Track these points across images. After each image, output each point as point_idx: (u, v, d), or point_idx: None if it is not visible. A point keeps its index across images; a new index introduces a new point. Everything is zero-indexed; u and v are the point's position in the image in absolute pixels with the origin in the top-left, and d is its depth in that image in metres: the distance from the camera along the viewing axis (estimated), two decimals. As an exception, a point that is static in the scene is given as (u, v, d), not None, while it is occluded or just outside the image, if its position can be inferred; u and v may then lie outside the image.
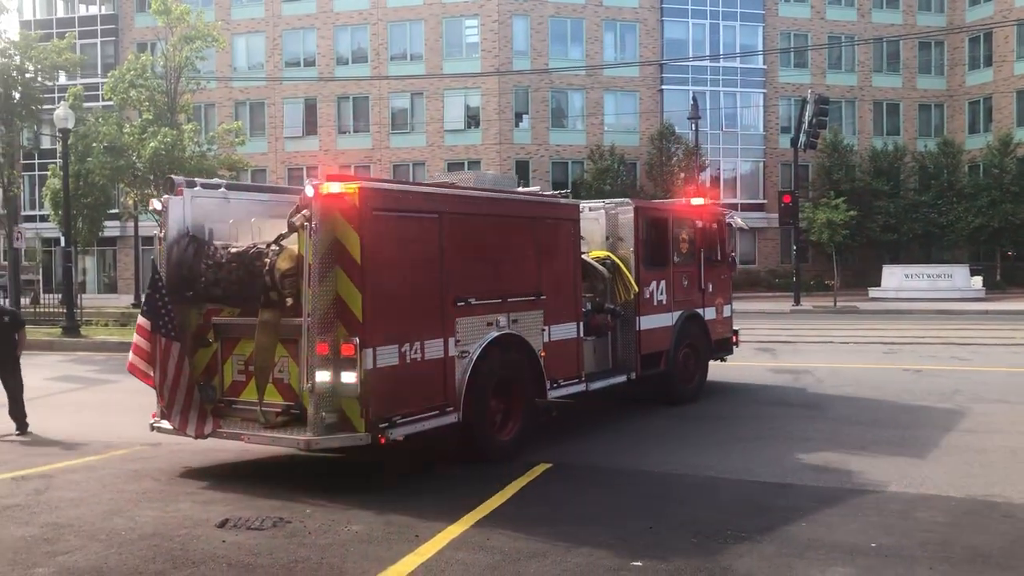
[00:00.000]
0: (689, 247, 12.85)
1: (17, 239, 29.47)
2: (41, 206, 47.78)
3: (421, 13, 50.16)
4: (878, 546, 6.21)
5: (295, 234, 7.82)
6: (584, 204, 11.79)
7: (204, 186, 9.05)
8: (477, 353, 8.75)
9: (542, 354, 9.64)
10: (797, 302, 36.04)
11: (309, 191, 7.59)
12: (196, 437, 8.27)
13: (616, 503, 7.56)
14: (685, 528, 6.67)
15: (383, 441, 7.61)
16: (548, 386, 9.74)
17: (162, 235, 8.64)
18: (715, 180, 51.16)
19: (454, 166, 48.62)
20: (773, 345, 21.07)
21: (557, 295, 10.01)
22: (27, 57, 30.79)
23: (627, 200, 12.09)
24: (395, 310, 7.88)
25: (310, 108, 51.84)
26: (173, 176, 9.24)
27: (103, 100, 38.86)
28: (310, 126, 51.41)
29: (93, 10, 55.05)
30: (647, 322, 11.75)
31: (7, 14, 30.93)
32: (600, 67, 49.80)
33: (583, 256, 10.93)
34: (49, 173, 34.41)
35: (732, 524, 6.76)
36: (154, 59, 33.44)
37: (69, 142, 26.16)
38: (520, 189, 11.26)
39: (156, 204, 8.86)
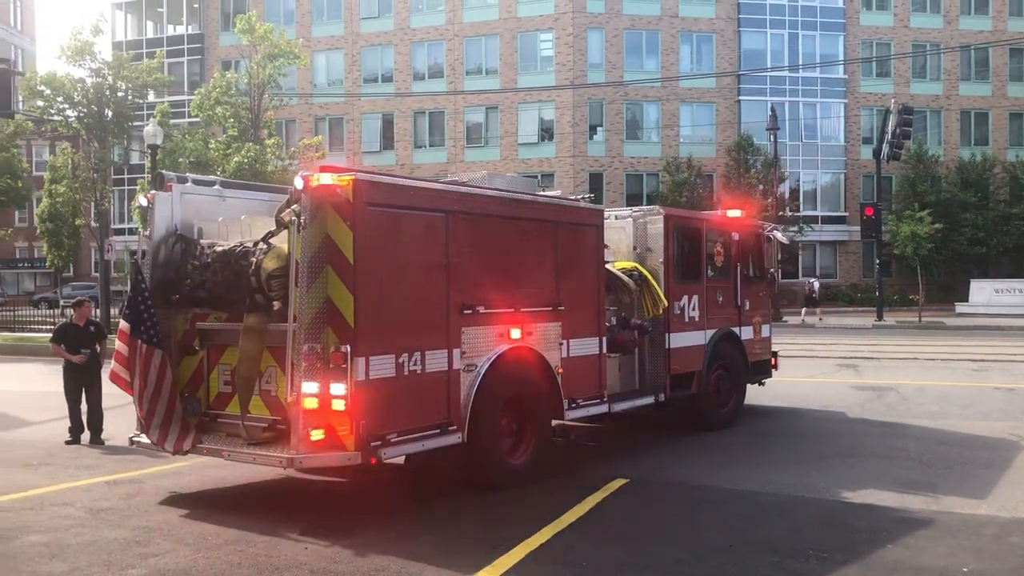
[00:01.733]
0: (725, 261, 11.95)
1: (108, 251, 30.60)
2: (130, 219, 49.71)
3: (496, 28, 50.60)
4: (969, 571, 6.00)
5: (285, 232, 7.17)
6: (610, 211, 10.97)
7: (196, 182, 8.54)
8: (486, 367, 8.03)
9: (559, 370, 8.92)
10: (880, 317, 35.07)
11: (298, 183, 6.93)
12: (174, 453, 7.68)
13: (693, 520, 7.47)
14: (764, 547, 6.55)
15: (374, 461, 6.97)
16: (565, 406, 9.00)
17: (147, 233, 8.10)
18: (794, 192, 50.25)
19: (528, 179, 48.73)
20: (856, 361, 20.55)
21: (578, 307, 9.23)
22: (119, 77, 32.02)
23: (656, 208, 11.19)
24: (392, 316, 7.17)
25: (387, 123, 52.72)
26: (164, 172, 8.66)
27: (189, 117, 40.16)
28: (387, 141, 52.26)
29: (180, 30, 57.04)
30: (677, 340, 10.88)
31: (101, 36, 32.13)
32: (676, 78, 49.46)
33: (607, 266, 10.16)
34: (138, 188, 35.65)
35: (813, 544, 6.62)
36: (238, 77, 34.45)
37: (157, 157, 27.04)
38: (541, 193, 10.25)
39: (142, 200, 8.25)
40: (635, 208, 11.32)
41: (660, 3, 50.34)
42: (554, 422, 9.00)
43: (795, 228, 47.56)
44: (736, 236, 12.16)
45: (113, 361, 7.87)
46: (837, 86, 51.78)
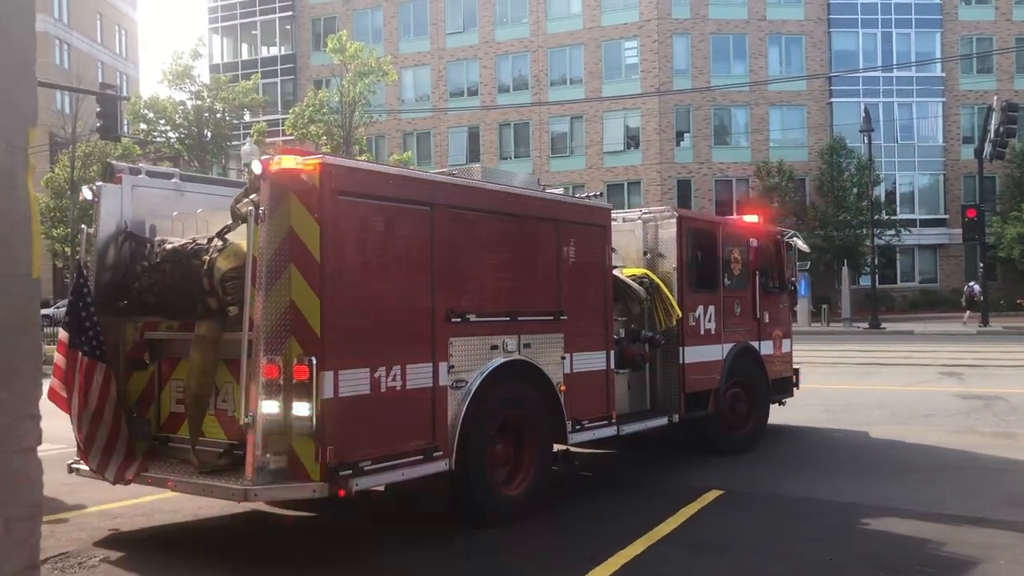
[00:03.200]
0: (742, 269, 10.90)
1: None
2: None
3: (580, 38, 50.63)
4: (1091, 590, 5.70)
5: (244, 227, 6.09)
6: (617, 213, 9.84)
7: (151, 174, 7.61)
8: (477, 383, 7.00)
9: (562, 388, 7.87)
10: (985, 323, 33.65)
11: (256, 167, 5.97)
12: (115, 483, 6.47)
13: (791, 532, 7.29)
14: (867, 562, 6.35)
15: (342, 494, 5.91)
16: (569, 428, 7.96)
17: (92, 231, 7.10)
18: (890, 195, 48.70)
19: (614, 187, 48.62)
20: (959, 369, 19.75)
21: (582, 316, 8.25)
22: (217, 99, 33.26)
23: (668, 209, 10.14)
24: (367, 324, 6.20)
25: (473, 136, 53.26)
26: (113, 161, 7.91)
27: (284, 135, 41.41)
28: (473, 153, 52.77)
29: (274, 51, 58.86)
30: (693, 354, 9.83)
31: (200, 60, 33.45)
32: (764, 82, 48.58)
33: (615, 272, 9.16)
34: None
35: (919, 559, 6.38)
36: (330, 95, 35.37)
37: (254, 176, 27.80)
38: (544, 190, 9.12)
39: (87, 193, 7.14)
40: (644, 209, 10.35)
41: (747, 7, 49.56)
42: (556, 447, 8.00)
43: (892, 232, 46.07)
44: (754, 242, 11.13)
45: (52, 376, 6.51)
46: (934, 84, 50.00)
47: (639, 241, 9.98)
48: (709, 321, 10.18)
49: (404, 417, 6.47)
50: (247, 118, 41.99)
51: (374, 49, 36.36)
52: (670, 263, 9.79)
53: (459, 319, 6.94)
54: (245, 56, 59.45)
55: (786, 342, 11.98)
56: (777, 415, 11.84)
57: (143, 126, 33.64)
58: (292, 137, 35.92)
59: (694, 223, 10.35)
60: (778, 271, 11.78)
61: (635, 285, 9.35)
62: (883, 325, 35.77)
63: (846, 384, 17.59)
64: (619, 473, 9.69)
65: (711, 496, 8.43)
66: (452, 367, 6.86)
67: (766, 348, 11.35)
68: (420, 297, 6.67)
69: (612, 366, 8.63)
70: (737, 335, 10.69)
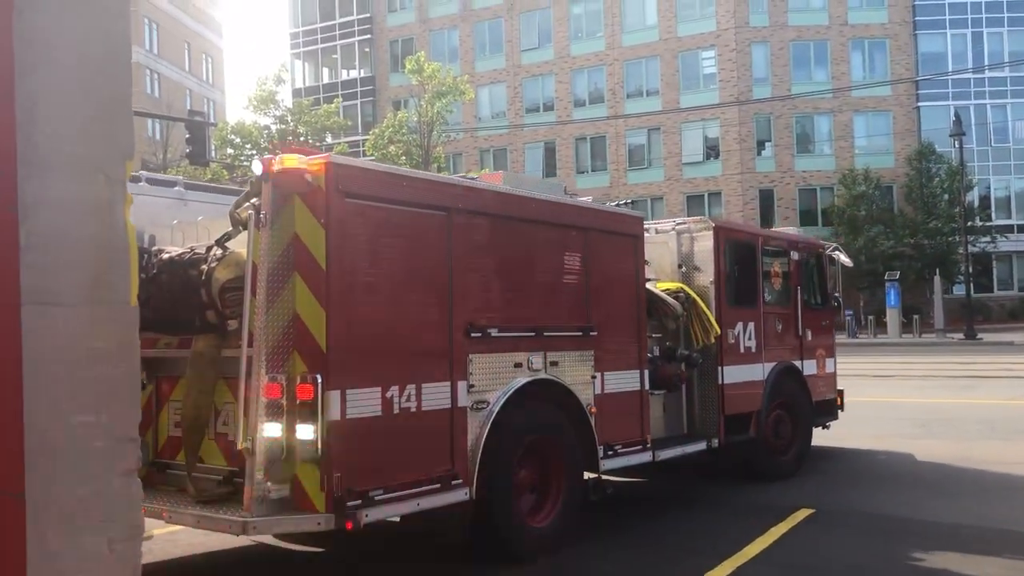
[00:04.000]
0: (783, 284, 10.37)
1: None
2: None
3: (656, 49, 50.35)
4: None
5: (246, 235, 5.66)
6: (649, 224, 9.40)
7: (152, 182, 7.35)
8: (500, 404, 6.46)
9: (592, 410, 7.31)
10: (1091, 332, 32.00)
11: (257, 168, 5.58)
12: None
13: (888, 553, 7.02)
14: (975, 587, 6.07)
15: (350, 527, 5.38)
16: (601, 453, 7.37)
17: None
18: (984, 200, 46.93)
19: (693, 199, 48.12)
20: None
21: (614, 333, 7.71)
22: (300, 122, 34.13)
23: (704, 219, 9.59)
24: (378, 338, 5.73)
25: (549, 151, 53.40)
26: None
27: (364, 156, 42.24)
28: (549, 168, 52.90)
29: (353, 74, 60.16)
30: (732, 374, 9.21)
31: (283, 85, 34.40)
32: (848, 88, 47.45)
33: (648, 286, 8.63)
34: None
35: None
36: (408, 115, 35.94)
37: (336, 196, 28.38)
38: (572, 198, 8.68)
39: None
40: (679, 220, 9.80)
41: (827, 12, 48.57)
42: (586, 475, 7.39)
43: (987, 239, 44.35)
44: (795, 255, 10.58)
45: None
46: (1029, 84, 48.07)
47: (673, 253, 9.40)
48: (749, 339, 9.58)
49: (420, 441, 5.94)
50: (329, 140, 42.97)
51: (451, 69, 36.80)
52: (706, 276, 9.23)
53: (479, 334, 6.40)
54: (326, 80, 60.89)
55: (830, 362, 11.37)
56: (866, 428, 11.48)
57: (230, 151, 34.75)
58: (372, 157, 36.61)
59: (732, 234, 9.76)
60: (821, 286, 11.24)
61: (670, 300, 8.79)
62: (979, 336, 34.40)
63: (942, 398, 16.94)
64: (702, 491, 9.51)
65: (801, 515, 8.20)
66: (472, 386, 6.32)
67: (809, 368, 10.75)
68: (437, 310, 6.16)
69: (646, 386, 8.08)
70: (778, 354, 10.11)
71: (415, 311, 6.04)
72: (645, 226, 8.76)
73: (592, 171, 52.13)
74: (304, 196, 5.48)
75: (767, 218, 47.56)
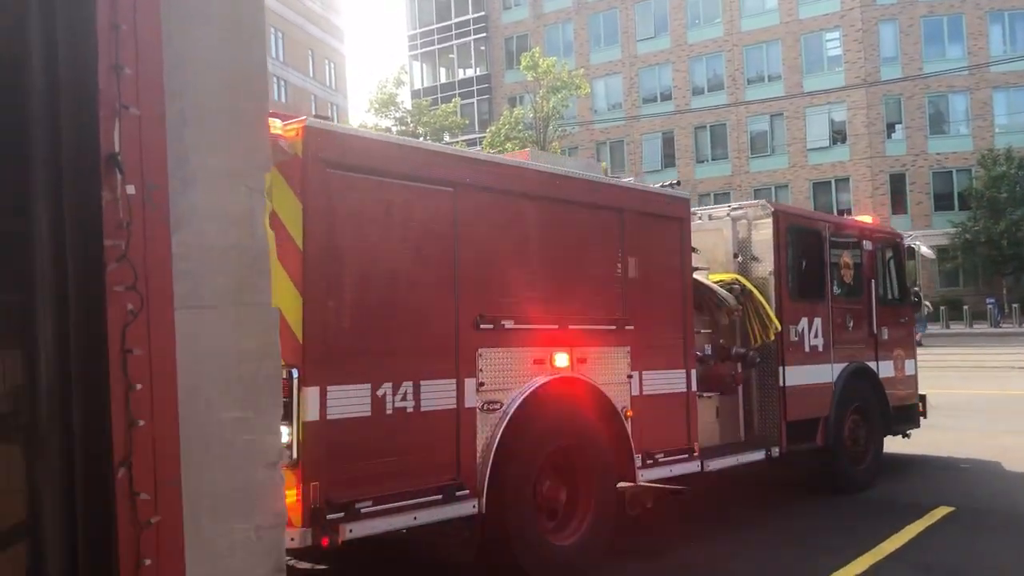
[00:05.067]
0: (855, 276, 9.50)
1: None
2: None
3: (777, 33, 48.95)
4: None
5: None
6: (702, 210, 8.90)
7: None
8: (516, 405, 5.79)
9: (628, 413, 6.57)
10: None
11: None
12: None
13: (1038, 556, 6.69)
14: None
15: (326, 544, 4.76)
16: (638, 463, 6.60)
17: None
18: None
19: (819, 185, 46.60)
20: None
21: (654, 327, 6.92)
22: (419, 123, 34.89)
23: (763, 203, 8.71)
24: (366, 328, 5.12)
25: (667, 141, 52.71)
26: None
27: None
28: (668, 159, 52.21)
29: (469, 72, 60.97)
30: (795, 375, 8.38)
31: (402, 87, 35.23)
32: (986, 64, 44.86)
33: (698, 276, 7.88)
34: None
35: None
36: (524, 112, 36.19)
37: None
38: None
39: None
40: (734, 205, 8.93)
41: (962, -16, 46.07)
42: (622, 484, 6.64)
43: None
44: (868, 245, 9.70)
45: None
46: None
47: (728, 241, 8.56)
48: (815, 336, 8.73)
49: (418, 446, 5.30)
50: (447, 139, 43.74)
51: (566, 63, 36.84)
52: (765, 267, 8.42)
53: (491, 326, 5.73)
54: (443, 79, 61.92)
55: (909, 363, 10.39)
56: (1012, 423, 10.87)
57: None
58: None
59: (795, 220, 8.92)
60: (899, 279, 10.31)
61: (723, 292, 8.00)
62: None
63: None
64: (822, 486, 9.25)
65: (940, 513, 7.91)
66: (482, 384, 5.65)
67: (886, 369, 9.82)
68: (440, 297, 5.48)
69: (694, 388, 7.30)
70: (850, 353, 9.25)
71: (414, 299, 5.37)
72: (695, 213, 8.27)
73: (712, 160, 51.17)
74: (280, 166, 4.77)
75: (898, 203, 45.58)
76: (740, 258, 8.52)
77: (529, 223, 6.12)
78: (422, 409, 5.30)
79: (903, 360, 10.23)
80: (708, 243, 8.49)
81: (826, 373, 8.89)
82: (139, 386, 2.48)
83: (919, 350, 10.90)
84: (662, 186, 7.90)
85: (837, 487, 8.94)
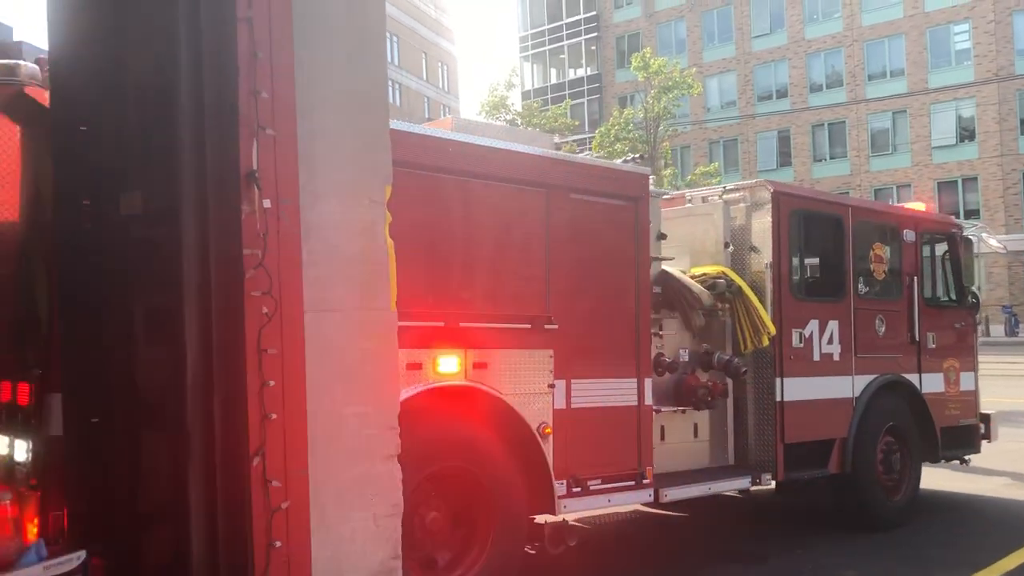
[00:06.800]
0: (891, 272, 8.11)
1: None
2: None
3: (901, 27, 47.10)
4: None
5: None
6: (694, 192, 7.76)
7: None
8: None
9: (546, 431, 5.36)
10: None
11: None
12: None
13: None
14: None
15: None
16: (561, 491, 5.40)
17: None
18: None
19: (945, 185, 44.63)
20: None
21: (591, 327, 5.76)
22: (530, 124, 35.20)
23: (762, 182, 7.36)
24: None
25: (783, 139, 51.42)
26: None
27: (591, 153, 42.85)
28: (783, 157, 50.93)
29: (580, 72, 60.97)
30: (798, 388, 7.07)
31: (513, 89, 35.67)
32: None
33: (668, 269, 6.68)
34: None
35: None
36: (634, 112, 36.04)
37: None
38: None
39: None
40: (729, 186, 7.60)
41: (1106, -31, 43.32)
42: (544, 518, 5.47)
43: None
44: (910, 236, 8.18)
45: None
46: None
47: (719, 229, 7.25)
48: (829, 342, 7.42)
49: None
50: (557, 139, 43.99)
51: (677, 62, 36.51)
52: (762, 258, 7.12)
53: None
54: (553, 80, 62.12)
55: (966, 376, 8.70)
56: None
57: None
58: (600, 155, 37.06)
59: (800, 203, 7.49)
60: (955, 277, 8.71)
61: (697, 287, 6.69)
62: None
63: None
64: (959, 497, 8.93)
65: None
66: None
67: (932, 383, 8.25)
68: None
69: (648, 401, 6.03)
70: (880, 364, 7.81)
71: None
72: (687, 196, 7.41)
73: (830, 159, 49.64)
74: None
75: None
76: (731, 248, 7.20)
77: (406, 196, 4.22)
78: None
79: (956, 373, 8.60)
80: (698, 230, 7.33)
81: (843, 387, 7.53)
82: (272, 382, 2.72)
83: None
84: (625, 162, 7.06)
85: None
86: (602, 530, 7.49)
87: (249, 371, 2.68)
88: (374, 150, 3.02)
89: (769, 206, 7.06)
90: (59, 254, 3.22)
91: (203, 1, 2.69)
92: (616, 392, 5.89)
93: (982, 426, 8.78)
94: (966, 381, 8.67)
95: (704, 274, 6.91)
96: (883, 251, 8.04)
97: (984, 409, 8.92)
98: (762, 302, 6.86)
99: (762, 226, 7.11)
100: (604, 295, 5.88)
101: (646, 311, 6.12)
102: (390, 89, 62.12)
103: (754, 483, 6.74)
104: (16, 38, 4.35)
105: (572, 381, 5.56)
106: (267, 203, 2.68)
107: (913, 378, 8.07)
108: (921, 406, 8.08)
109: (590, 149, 40.20)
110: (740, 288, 6.86)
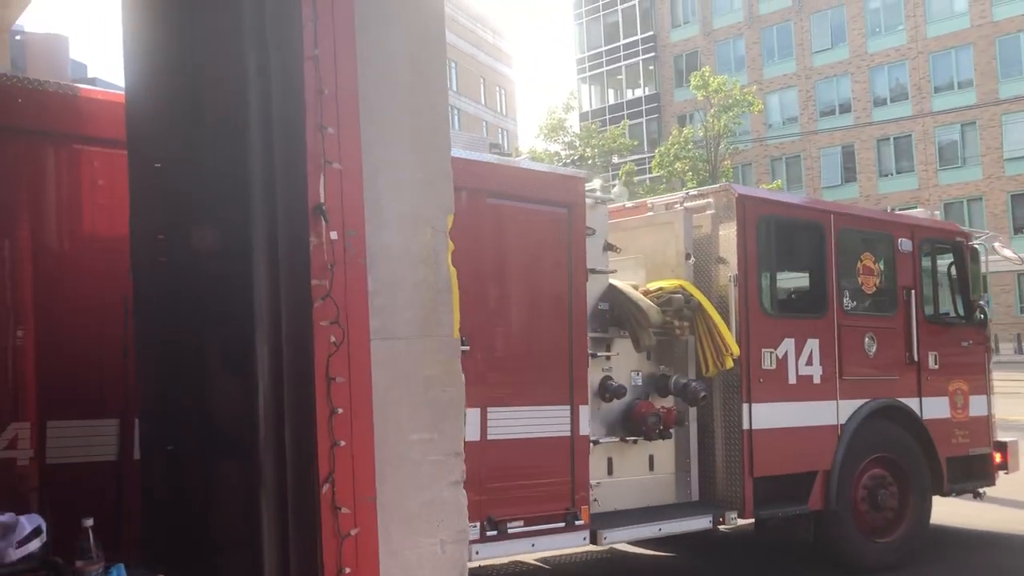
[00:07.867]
0: (884, 285, 7.36)
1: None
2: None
3: (968, 37, 46.04)
4: None
5: None
6: (655, 200, 7.22)
7: None
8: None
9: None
10: None
11: None
12: None
13: None
14: None
15: None
16: (474, 535, 4.81)
17: None
18: None
19: (1018, 197, 43.31)
20: None
21: (511, 348, 5.32)
22: (588, 145, 35.24)
23: (727, 186, 6.87)
24: None
25: (847, 155, 50.51)
26: None
27: (650, 173, 42.63)
28: (848, 173, 50.02)
29: (638, 92, 60.86)
30: (769, 415, 6.38)
31: (572, 112, 35.79)
32: None
33: (616, 283, 6.15)
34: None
35: None
36: (693, 130, 35.84)
37: (625, 215, 29.13)
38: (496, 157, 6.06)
39: None
40: (692, 192, 7.08)
41: None
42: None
43: None
44: (906, 246, 7.44)
45: None
46: None
47: (679, 239, 6.62)
48: (808, 363, 6.69)
49: None
50: (615, 160, 43.90)
51: (737, 80, 36.22)
52: (728, 271, 6.49)
53: None
54: (611, 101, 62.09)
55: (977, 400, 7.86)
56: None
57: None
58: (658, 175, 36.92)
59: (772, 209, 6.88)
60: (962, 291, 7.89)
61: (645, 303, 6.02)
62: None
63: None
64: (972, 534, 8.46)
65: None
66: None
67: (935, 408, 7.47)
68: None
69: (584, 431, 5.52)
70: (871, 387, 7.07)
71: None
72: (649, 203, 6.90)
73: (897, 173, 48.59)
74: None
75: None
76: (693, 259, 6.60)
77: None
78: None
79: (965, 396, 7.78)
80: (658, 241, 6.77)
81: (826, 413, 6.79)
82: (340, 410, 2.77)
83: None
84: (565, 166, 6.21)
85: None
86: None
87: (319, 400, 2.74)
88: (436, 180, 3.08)
89: (733, 211, 6.49)
90: (135, 287, 3.34)
91: (272, 41, 2.78)
92: (544, 421, 5.37)
93: (998, 455, 7.93)
94: (977, 406, 7.85)
95: (660, 289, 6.31)
96: (874, 262, 7.33)
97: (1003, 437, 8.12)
98: (726, 319, 6.29)
99: (728, 235, 6.53)
100: (530, 311, 5.42)
101: (582, 329, 5.59)
102: (449, 115, 62.84)
103: (717, 522, 6.08)
104: (90, 75, 4.55)
105: (488, 409, 5.05)
106: (334, 235, 2.75)
107: (912, 403, 7.32)
108: (922, 434, 7.31)
109: (650, 169, 40.10)
110: (700, 304, 6.23)
